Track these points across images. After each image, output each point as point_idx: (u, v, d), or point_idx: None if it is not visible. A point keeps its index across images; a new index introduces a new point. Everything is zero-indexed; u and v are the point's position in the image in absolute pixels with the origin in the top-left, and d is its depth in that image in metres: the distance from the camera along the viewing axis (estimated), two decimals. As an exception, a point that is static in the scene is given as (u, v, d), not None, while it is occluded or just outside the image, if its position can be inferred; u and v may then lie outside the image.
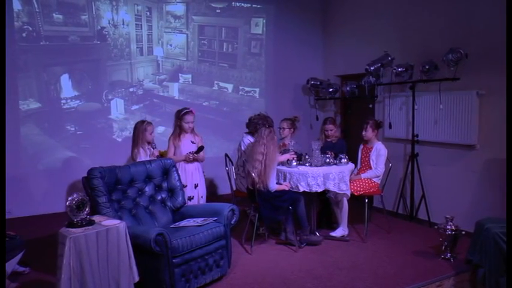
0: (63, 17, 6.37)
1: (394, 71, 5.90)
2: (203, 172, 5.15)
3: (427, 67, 5.54)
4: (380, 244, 5.00)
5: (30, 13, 6.16)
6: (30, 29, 6.17)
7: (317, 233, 5.17)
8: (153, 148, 4.99)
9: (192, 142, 4.98)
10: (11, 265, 3.95)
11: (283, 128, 5.59)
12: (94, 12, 6.56)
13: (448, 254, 4.46)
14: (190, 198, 4.93)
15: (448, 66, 5.29)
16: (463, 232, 4.47)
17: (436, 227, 4.62)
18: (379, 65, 5.96)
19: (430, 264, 4.37)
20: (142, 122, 4.92)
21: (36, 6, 6.17)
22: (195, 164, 5.01)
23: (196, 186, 4.99)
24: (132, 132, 5.10)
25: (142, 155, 4.80)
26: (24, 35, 6.13)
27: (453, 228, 4.42)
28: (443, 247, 4.49)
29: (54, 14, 6.31)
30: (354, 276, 4.10)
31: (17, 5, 6.06)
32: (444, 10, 5.61)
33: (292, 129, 5.63)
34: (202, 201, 5.05)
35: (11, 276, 3.99)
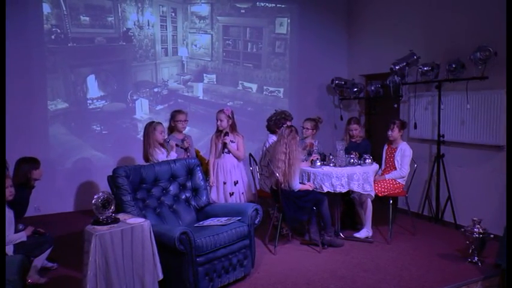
0: (90, 19, 6.49)
1: (420, 70, 5.81)
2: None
3: (453, 66, 5.44)
4: (405, 246, 4.93)
5: (59, 16, 6.29)
6: (59, 31, 6.30)
7: (341, 234, 5.14)
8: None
9: (232, 141, 5.10)
10: (40, 260, 4.05)
11: (307, 128, 5.58)
12: (120, 14, 6.66)
13: (475, 258, 4.37)
14: (231, 194, 5.06)
15: (475, 65, 5.17)
16: (492, 235, 4.37)
17: (462, 229, 4.53)
18: (404, 64, 5.87)
19: (456, 268, 4.29)
20: (151, 123, 4.95)
21: (64, 9, 6.30)
22: (234, 161, 5.11)
23: (236, 183, 5.08)
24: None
25: (160, 155, 4.84)
26: (53, 37, 6.27)
27: (481, 231, 4.32)
28: (470, 250, 4.40)
29: (81, 16, 6.44)
30: (379, 278, 4.06)
31: (46, 8, 6.20)
32: (471, 7, 5.50)
33: (314, 130, 5.62)
34: (243, 197, 5.14)
35: (41, 272, 4.09)
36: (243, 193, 5.15)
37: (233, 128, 5.14)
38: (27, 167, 4.28)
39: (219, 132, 5.12)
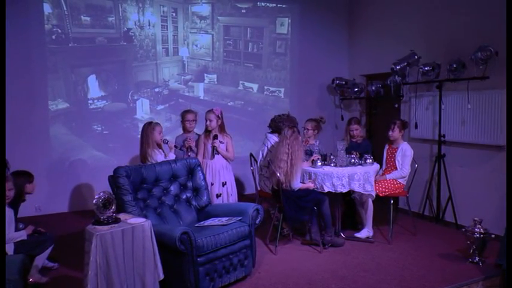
0: (90, 19, 6.49)
1: (421, 70, 5.80)
2: None
3: (454, 66, 5.43)
4: (405, 246, 4.93)
5: (60, 16, 6.30)
6: (60, 31, 6.31)
7: (342, 234, 5.14)
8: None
9: (221, 142, 5.06)
10: (42, 259, 4.05)
11: (307, 129, 5.56)
12: (121, 14, 6.66)
13: (476, 258, 4.36)
14: (218, 196, 5.01)
15: (476, 65, 5.17)
16: (493, 235, 4.36)
17: (463, 229, 4.52)
18: (405, 64, 5.87)
19: (457, 268, 4.29)
20: (150, 123, 4.97)
21: (65, 9, 6.31)
22: (223, 162, 5.08)
23: (224, 184, 5.04)
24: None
25: (159, 155, 4.85)
26: (53, 37, 6.27)
27: (482, 231, 4.31)
28: (471, 250, 4.39)
29: (82, 17, 6.44)
30: (379, 278, 4.06)
31: (47, 8, 6.20)
32: (472, 7, 5.49)
33: (316, 131, 5.60)
34: (232, 199, 5.11)
35: (42, 271, 4.10)
36: (231, 194, 5.11)
37: (222, 128, 5.09)
38: (21, 181, 4.22)
39: (207, 132, 5.09)
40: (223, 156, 5.08)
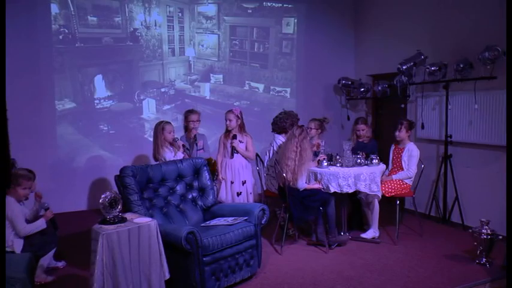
0: (97, 19, 6.52)
1: (427, 70, 5.78)
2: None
3: (461, 66, 5.40)
4: (412, 247, 4.91)
5: (67, 16, 6.33)
6: (67, 31, 6.34)
7: (347, 234, 5.13)
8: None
9: (240, 141, 5.13)
10: (47, 260, 4.07)
11: (310, 128, 5.56)
12: (127, 14, 6.69)
13: (483, 259, 4.34)
14: (238, 194, 5.09)
15: (484, 65, 5.14)
16: (500, 236, 4.33)
17: (470, 230, 4.50)
18: (412, 64, 5.84)
19: (464, 269, 4.26)
20: (160, 122, 5.00)
21: (72, 9, 6.34)
22: (243, 161, 5.15)
23: (244, 182, 5.12)
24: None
25: (168, 153, 4.86)
26: (60, 37, 6.31)
27: (489, 232, 4.28)
28: (478, 252, 4.37)
29: (89, 17, 6.47)
30: (385, 279, 4.04)
31: (54, 9, 6.24)
32: (479, 6, 5.46)
33: (319, 130, 5.60)
34: (251, 197, 5.18)
35: (49, 271, 4.12)
36: (250, 193, 5.18)
37: (242, 128, 5.17)
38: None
39: (227, 132, 5.14)
40: (243, 156, 5.13)
